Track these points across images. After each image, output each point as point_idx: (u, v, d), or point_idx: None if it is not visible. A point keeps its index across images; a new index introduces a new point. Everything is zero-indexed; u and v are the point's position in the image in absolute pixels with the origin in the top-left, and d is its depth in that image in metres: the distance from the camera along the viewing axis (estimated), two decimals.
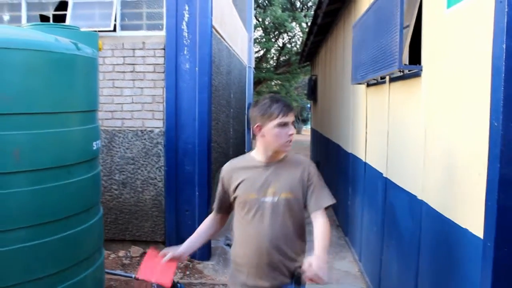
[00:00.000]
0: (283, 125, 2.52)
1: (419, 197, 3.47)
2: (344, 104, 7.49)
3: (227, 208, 2.80)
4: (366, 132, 5.70)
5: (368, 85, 5.50)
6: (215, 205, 2.83)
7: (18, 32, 3.53)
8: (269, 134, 2.54)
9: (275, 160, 2.63)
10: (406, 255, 3.80)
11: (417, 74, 3.68)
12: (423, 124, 3.46)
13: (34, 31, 3.64)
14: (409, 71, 3.80)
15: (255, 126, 2.58)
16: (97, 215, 3.89)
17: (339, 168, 8.10)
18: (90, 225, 3.72)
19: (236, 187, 2.64)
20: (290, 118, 2.55)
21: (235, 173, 2.66)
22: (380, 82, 4.92)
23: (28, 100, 3.24)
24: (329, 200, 2.62)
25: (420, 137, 3.51)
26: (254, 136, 2.63)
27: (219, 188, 2.76)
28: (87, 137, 3.72)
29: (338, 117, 8.27)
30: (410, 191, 3.73)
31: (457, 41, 2.87)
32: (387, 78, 4.56)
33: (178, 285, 2.81)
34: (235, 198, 2.66)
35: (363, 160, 5.77)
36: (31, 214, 3.28)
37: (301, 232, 2.71)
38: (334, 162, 9.02)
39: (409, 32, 3.81)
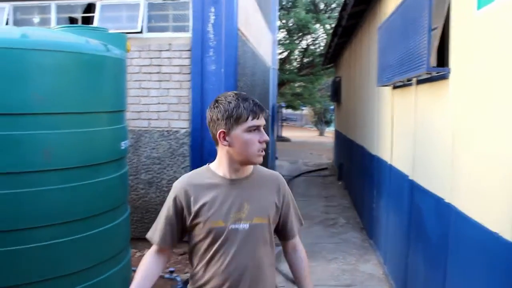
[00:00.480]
0: (254, 129, 2.03)
1: (447, 200, 3.44)
2: (369, 106, 7.46)
3: (176, 239, 2.16)
4: (391, 134, 5.66)
5: (394, 87, 5.46)
6: (158, 236, 2.14)
7: (50, 34, 3.61)
8: (237, 142, 2.02)
9: (242, 176, 2.12)
10: (433, 259, 3.77)
11: (444, 77, 3.64)
12: (451, 126, 3.43)
13: (65, 33, 3.71)
14: (436, 73, 3.77)
15: (218, 132, 2.04)
16: (124, 214, 3.94)
17: (363, 170, 8.06)
18: (118, 223, 3.78)
19: (197, 211, 2.05)
20: (262, 120, 2.06)
21: (193, 192, 2.06)
22: (406, 84, 4.89)
23: (59, 100, 3.31)
24: (301, 222, 2.33)
25: (448, 140, 3.48)
26: (217, 144, 2.11)
27: (168, 212, 2.12)
28: (115, 137, 3.79)
29: (363, 119, 8.24)
30: (437, 194, 3.70)
31: (488, 43, 2.84)
32: (414, 80, 4.53)
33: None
34: (194, 226, 2.08)
35: (388, 162, 5.74)
36: (61, 212, 3.35)
37: (273, 261, 2.24)
38: (358, 164, 8.97)
39: (437, 34, 3.78)
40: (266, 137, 2.06)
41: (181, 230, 2.13)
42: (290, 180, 12.69)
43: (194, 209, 2.04)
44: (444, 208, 3.48)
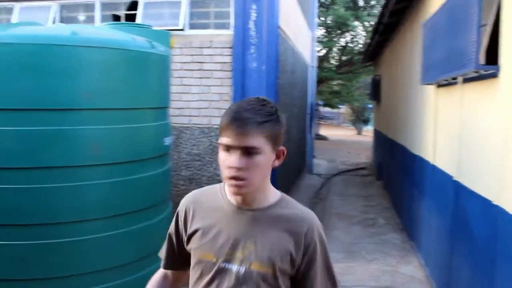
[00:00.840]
0: (226, 149, 1.51)
1: (495, 202, 3.35)
2: (411, 105, 7.33)
3: (182, 263, 1.78)
4: (434, 134, 5.55)
5: (439, 85, 5.35)
6: (163, 257, 1.85)
7: (98, 31, 3.68)
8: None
9: (254, 206, 1.61)
10: (479, 262, 3.68)
11: (493, 75, 3.54)
12: (502, 127, 3.33)
13: (113, 31, 3.78)
14: (485, 71, 3.67)
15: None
16: (167, 210, 3.99)
17: (404, 170, 7.93)
18: (161, 218, 3.83)
19: (190, 236, 1.70)
20: (239, 141, 1.47)
21: (194, 212, 1.70)
22: (451, 82, 4.78)
23: (106, 96, 3.37)
24: None
25: (497, 141, 3.38)
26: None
27: (170, 229, 1.82)
28: (160, 133, 3.83)
29: (404, 118, 8.10)
30: (484, 196, 3.61)
31: None
32: (460, 79, 4.42)
33: None
34: (190, 251, 1.72)
35: (431, 162, 5.63)
36: (105, 206, 3.42)
37: None
38: (398, 164, 8.84)
39: (486, 31, 3.68)
40: (233, 162, 1.47)
41: (184, 252, 1.74)
42: (328, 178, 12.61)
43: (189, 232, 1.69)
44: (492, 210, 3.39)
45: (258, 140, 1.48)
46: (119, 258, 3.53)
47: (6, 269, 3.28)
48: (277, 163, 1.59)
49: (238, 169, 1.47)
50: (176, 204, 1.84)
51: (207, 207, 1.68)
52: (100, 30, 3.83)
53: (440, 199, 5.07)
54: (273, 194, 1.66)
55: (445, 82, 5.00)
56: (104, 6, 6.96)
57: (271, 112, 1.52)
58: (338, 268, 5.80)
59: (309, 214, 1.66)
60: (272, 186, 1.67)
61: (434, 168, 5.47)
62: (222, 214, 1.64)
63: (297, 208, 1.67)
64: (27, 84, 3.11)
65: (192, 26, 6.47)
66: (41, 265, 3.25)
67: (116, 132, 3.40)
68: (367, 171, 14.27)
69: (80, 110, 3.28)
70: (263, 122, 1.49)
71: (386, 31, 10.16)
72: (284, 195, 1.70)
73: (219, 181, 5.66)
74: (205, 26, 6.47)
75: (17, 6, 7.23)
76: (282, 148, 1.59)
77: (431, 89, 5.77)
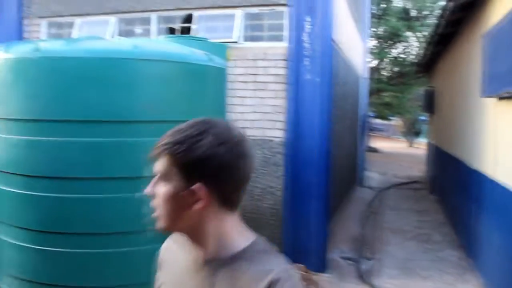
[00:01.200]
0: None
1: None
2: (469, 118, 7.12)
3: None
4: (494, 148, 5.36)
5: (500, 98, 5.17)
6: None
7: (157, 45, 3.76)
8: None
9: (209, 255, 1.27)
10: None
11: None
12: None
13: (171, 44, 3.85)
14: None
15: None
16: None
17: (461, 185, 7.69)
18: None
19: None
20: (156, 165, 1.28)
21: (163, 260, 1.46)
22: None
23: (165, 109, 3.43)
24: None
25: None
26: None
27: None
28: None
29: (461, 131, 7.87)
30: None
31: None
32: None
33: None
34: None
35: (491, 177, 5.43)
36: None
37: None
38: (454, 178, 8.58)
39: None
40: (147, 189, 1.28)
41: None
42: (380, 192, 12.38)
43: (156, 285, 1.46)
44: None
45: (160, 165, 1.25)
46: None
47: (72, 277, 3.36)
48: (198, 206, 1.22)
49: (149, 196, 1.27)
50: None
51: (174, 257, 1.39)
52: (159, 43, 3.91)
53: (503, 215, 4.87)
54: (238, 241, 1.26)
55: (507, 95, 4.83)
56: (160, 19, 7.11)
57: (190, 136, 1.21)
58: (392, 284, 5.67)
59: (278, 272, 1.19)
60: (239, 229, 1.29)
61: (494, 183, 5.27)
62: (181, 267, 1.35)
63: (264, 262, 1.23)
64: (92, 97, 3.20)
65: (247, 39, 6.51)
66: (102, 274, 3.31)
67: None
68: (420, 185, 13.93)
69: (141, 122, 3.34)
70: (171, 145, 1.22)
71: (441, 42, 9.92)
72: (257, 241, 1.29)
73: (272, 193, 5.65)
74: (259, 39, 6.50)
75: (77, 20, 7.49)
76: (197, 185, 1.20)
77: (491, 101, 5.58)
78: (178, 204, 1.23)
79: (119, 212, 3.34)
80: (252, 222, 6.28)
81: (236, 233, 1.28)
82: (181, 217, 1.25)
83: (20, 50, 3.42)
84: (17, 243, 3.41)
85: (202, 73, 3.69)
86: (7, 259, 3.53)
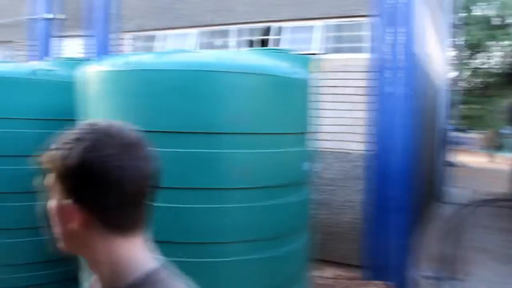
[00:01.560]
0: None
1: None
2: None
3: None
4: None
5: None
6: None
7: (242, 57, 3.79)
8: None
9: (113, 286, 1.08)
10: None
11: None
12: None
13: (256, 56, 3.86)
14: None
15: None
16: (306, 237, 3.94)
17: None
18: (300, 246, 3.79)
19: None
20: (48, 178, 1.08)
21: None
22: None
23: (251, 121, 3.43)
24: None
25: None
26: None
27: None
28: (300, 159, 3.81)
29: None
30: None
31: None
32: None
33: None
34: None
35: None
36: (245, 230, 3.45)
37: None
38: None
39: None
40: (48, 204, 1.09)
41: None
42: (460, 207, 11.85)
43: None
44: None
45: (49, 176, 1.07)
46: (255, 284, 3.54)
47: None
48: (72, 225, 1.04)
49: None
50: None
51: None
52: (244, 55, 3.94)
53: None
54: (135, 268, 1.07)
55: None
56: (240, 32, 7.22)
57: (66, 142, 1.04)
58: None
59: None
60: (138, 255, 1.09)
61: None
62: None
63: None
64: (181, 109, 3.27)
65: (328, 50, 6.47)
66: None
67: (260, 157, 3.44)
68: (505, 202, 13.21)
69: (227, 134, 3.36)
70: (52, 154, 1.05)
71: None
72: (157, 271, 1.09)
73: (351, 207, 5.54)
74: (339, 50, 6.43)
75: (160, 34, 7.75)
76: (68, 201, 1.03)
77: None
78: (61, 222, 1.07)
79: (201, 222, 3.37)
80: (330, 235, 6.23)
81: (133, 259, 1.08)
82: (69, 237, 1.08)
83: (111, 63, 3.56)
84: None
85: (287, 86, 3.67)
86: None
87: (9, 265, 4.56)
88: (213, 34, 7.62)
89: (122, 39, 8.10)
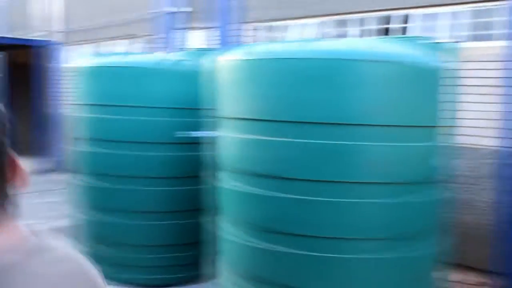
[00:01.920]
0: None
1: None
2: None
3: None
4: None
5: None
6: None
7: (384, 45, 3.64)
8: None
9: None
10: None
11: None
12: None
13: (397, 44, 3.70)
14: None
15: None
16: (436, 238, 3.72)
17: None
18: (430, 248, 3.59)
19: None
20: None
21: None
22: None
23: (386, 112, 3.29)
24: None
25: None
26: None
27: None
28: (432, 154, 3.58)
29: None
30: None
31: None
32: None
33: None
34: None
35: None
36: (377, 227, 3.32)
37: None
38: None
39: None
40: None
41: None
42: None
43: None
44: None
45: None
46: (383, 283, 3.41)
47: (282, 274, 3.42)
48: None
49: None
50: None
51: None
52: (386, 44, 3.76)
53: None
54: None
55: None
56: (362, 21, 7.02)
57: None
58: None
59: (78, 259, 0.96)
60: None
61: None
62: None
63: (62, 255, 0.96)
64: (319, 99, 3.20)
65: (470, 38, 6.06)
66: (314, 277, 3.30)
67: (397, 151, 3.29)
68: None
69: (362, 125, 3.24)
70: None
71: None
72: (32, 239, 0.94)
73: (476, 207, 5.04)
74: (485, 38, 6.00)
75: (281, 24, 7.74)
76: None
77: None
78: None
79: (330, 216, 3.30)
80: (467, 238, 5.73)
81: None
82: None
83: (251, 52, 3.56)
84: (239, 240, 3.55)
85: (423, 76, 3.46)
86: (228, 256, 3.71)
87: (144, 246, 4.80)
88: (335, 23, 7.46)
89: (245, 29, 8.20)
